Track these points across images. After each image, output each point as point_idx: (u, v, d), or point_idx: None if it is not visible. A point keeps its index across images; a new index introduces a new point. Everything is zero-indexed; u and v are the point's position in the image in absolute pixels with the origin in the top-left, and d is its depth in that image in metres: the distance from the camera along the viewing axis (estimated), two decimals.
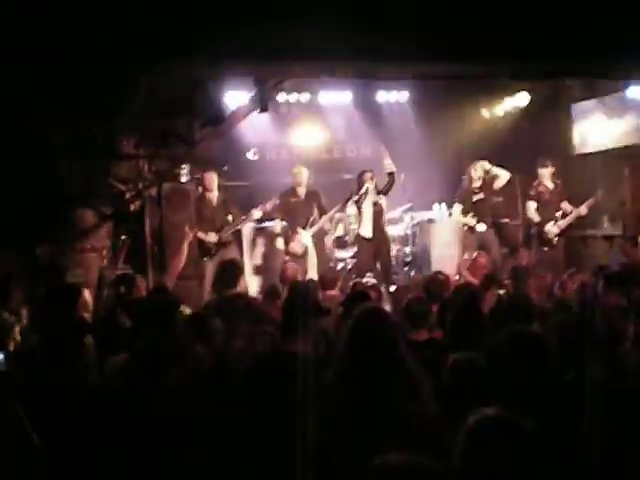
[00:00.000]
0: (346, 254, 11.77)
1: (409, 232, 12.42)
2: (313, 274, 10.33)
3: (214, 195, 10.93)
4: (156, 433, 4.11)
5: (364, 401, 3.84)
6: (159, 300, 5.91)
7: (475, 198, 11.46)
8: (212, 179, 10.91)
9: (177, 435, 4.08)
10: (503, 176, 11.49)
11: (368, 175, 10.93)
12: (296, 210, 11.17)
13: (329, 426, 3.78)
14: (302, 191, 11.24)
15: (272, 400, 4.23)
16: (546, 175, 11.56)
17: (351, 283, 8.58)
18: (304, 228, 11.00)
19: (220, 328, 5.68)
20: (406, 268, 12.25)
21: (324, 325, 5.75)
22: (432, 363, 4.55)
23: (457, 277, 9.95)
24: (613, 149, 12.66)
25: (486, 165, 11.45)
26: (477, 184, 11.47)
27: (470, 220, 11.42)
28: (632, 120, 12.61)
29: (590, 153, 13.15)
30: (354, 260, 11.42)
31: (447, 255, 11.83)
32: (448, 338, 5.36)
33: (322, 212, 11.20)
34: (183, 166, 10.10)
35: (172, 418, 4.18)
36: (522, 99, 13.06)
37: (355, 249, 11.36)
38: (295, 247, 10.94)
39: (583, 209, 11.24)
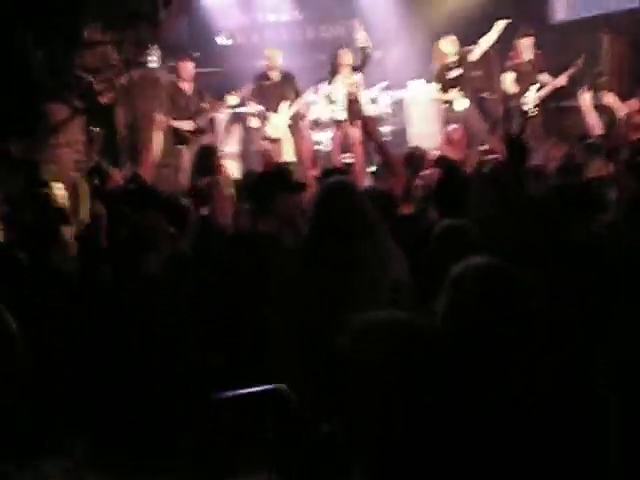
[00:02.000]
0: (324, 136, 11.63)
1: (386, 110, 12.27)
2: (290, 156, 10.24)
3: (189, 84, 10.72)
4: (135, 321, 4.09)
5: (330, 274, 3.80)
6: (133, 188, 5.86)
7: (453, 74, 11.24)
8: (187, 67, 10.66)
9: (154, 323, 4.06)
10: (478, 48, 11.25)
11: (341, 52, 10.71)
12: (271, 94, 10.96)
13: (295, 301, 3.75)
14: (276, 74, 11.02)
15: (245, 281, 4.20)
16: (524, 46, 11.34)
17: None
18: (277, 111, 10.83)
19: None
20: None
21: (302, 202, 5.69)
22: (419, 235, 4.56)
23: (437, 152, 9.88)
24: (592, 17, 12.48)
25: (455, 40, 11.22)
26: (452, 59, 11.24)
27: (451, 96, 11.22)
28: None
29: (568, 22, 12.97)
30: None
31: (426, 132, 11.73)
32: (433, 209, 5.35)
33: (297, 94, 11.01)
34: (153, 52, 9.85)
35: (150, 305, 4.15)
36: None
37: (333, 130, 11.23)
38: (271, 131, 10.79)
39: (562, 79, 11.08)
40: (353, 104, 10.65)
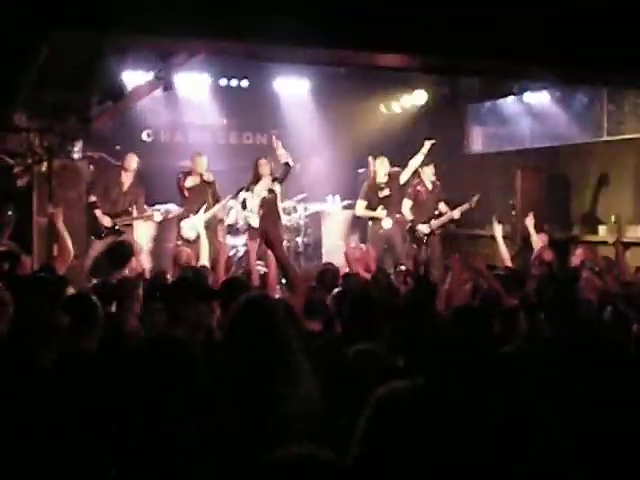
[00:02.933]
0: (239, 241, 11.68)
1: (302, 222, 12.42)
2: (204, 260, 10.20)
3: (128, 177, 10.73)
4: (31, 415, 3.97)
5: (245, 391, 3.78)
6: (44, 278, 5.75)
7: (382, 194, 11.48)
8: (132, 160, 10.76)
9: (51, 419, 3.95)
10: (407, 169, 11.57)
11: (262, 162, 10.88)
12: (192, 197, 11.00)
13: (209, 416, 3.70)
14: (198, 179, 11.06)
15: (151, 386, 4.12)
16: (425, 174, 11.71)
17: (241, 271, 8.53)
18: (196, 214, 10.85)
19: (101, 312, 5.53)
20: (299, 258, 12.25)
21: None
22: (326, 353, 4.56)
23: (347, 268, 9.98)
24: (507, 152, 12.97)
25: (386, 162, 11.53)
26: (383, 179, 11.49)
27: (378, 214, 11.42)
28: (526, 125, 12.95)
29: (484, 154, 13.44)
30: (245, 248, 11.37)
31: (338, 246, 11.89)
32: (344, 328, 5.37)
33: (216, 199, 11.05)
34: (75, 143, 9.83)
35: (46, 401, 4.04)
36: (420, 97, 13.21)
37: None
38: (187, 232, 10.79)
39: (456, 213, 11.52)
40: (271, 211, 10.76)
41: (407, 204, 11.69)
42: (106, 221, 10.46)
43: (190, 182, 11.00)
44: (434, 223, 11.59)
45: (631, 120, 11.31)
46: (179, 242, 10.71)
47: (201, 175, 11.02)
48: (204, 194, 11.01)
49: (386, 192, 11.48)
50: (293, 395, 3.77)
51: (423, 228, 11.57)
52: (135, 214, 10.81)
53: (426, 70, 9.81)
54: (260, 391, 3.77)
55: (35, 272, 6.71)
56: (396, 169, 11.65)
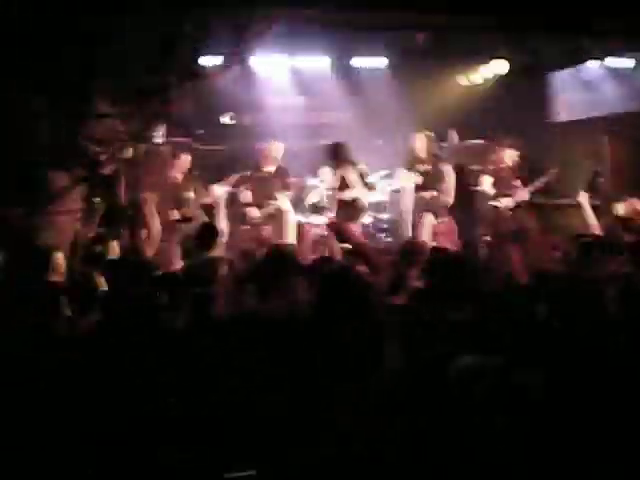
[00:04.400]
0: (321, 220, 11.66)
1: (386, 199, 12.33)
2: (290, 239, 10.24)
3: (180, 174, 10.72)
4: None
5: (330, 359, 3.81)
6: (133, 261, 5.85)
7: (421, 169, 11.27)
8: (184, 161, 10.68)
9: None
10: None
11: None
12: (261, 185, 10.95)
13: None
14: (271, 167, 11.01)
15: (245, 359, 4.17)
16: (508, 155, 11.40)
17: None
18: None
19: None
20: (382, 235, 12.18)
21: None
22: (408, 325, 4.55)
23: (433, 242, 9.91)
24: (592, 118, 12.70)
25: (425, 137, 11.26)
26: (422, 155, 11.23)
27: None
28: (611, 90, 12.65)
29: (568, 122, 13.18)
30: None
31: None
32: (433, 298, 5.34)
33: (286, 188, 10.97)
34: (158, 127, 9.92)
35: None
36: (500, 66, 12.99)
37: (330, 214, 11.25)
38: (265, 212, 10.73)
39: (524, 194, 11.14)
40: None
41: (488, 180, 11.43)
42: (174, 214, 10.49)
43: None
44: (505, 201, 11.27)
45: None
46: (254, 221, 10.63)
47: (274, 163, 10.95)
48: (273, 183, 10.93)
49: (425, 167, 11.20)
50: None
51: (506, 201, 11.30)
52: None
53: (503, 28, 9.57)
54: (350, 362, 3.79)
55: (124, 256, 6.82)
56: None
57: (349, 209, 10.57)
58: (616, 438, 3.18)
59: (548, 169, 11.20)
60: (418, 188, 10.97)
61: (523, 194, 11.12)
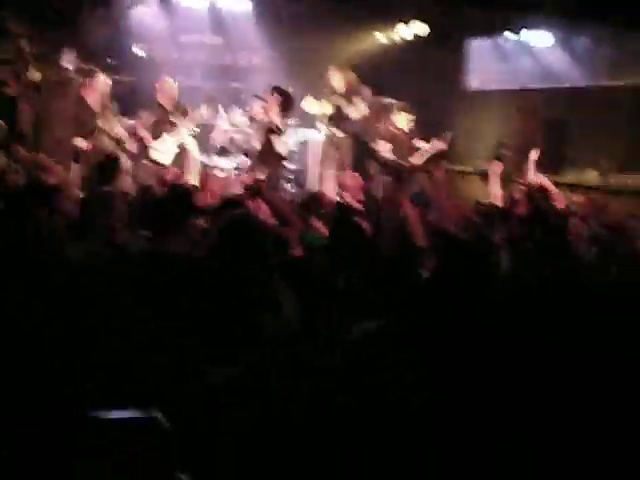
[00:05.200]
0: (229, 164, 11.54)
1: (294, 149, 12.26)
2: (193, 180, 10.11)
3: (95, 98, 10.31)
4: None
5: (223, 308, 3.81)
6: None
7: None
8: (99, 82, 10.31)
9: None
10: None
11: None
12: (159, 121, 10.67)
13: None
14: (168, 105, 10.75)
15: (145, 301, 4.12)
16: (404, 120, 11.39)
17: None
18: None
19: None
20: (289, 185, 12.13)
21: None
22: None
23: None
24: (504, 90, 12.87)
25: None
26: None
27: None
28: (525, 64, 12.84)
29: (480, 91, 13.32)
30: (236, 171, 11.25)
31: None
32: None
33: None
34: (68, 52, 9.59)
35: None
36: (419, 28, 13.01)
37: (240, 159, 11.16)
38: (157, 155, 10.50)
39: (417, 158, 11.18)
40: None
41: (386, 146, 11.37)
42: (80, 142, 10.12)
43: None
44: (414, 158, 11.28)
45: (632, 66, 11.20)
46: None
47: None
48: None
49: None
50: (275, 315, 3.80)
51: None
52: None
53: None
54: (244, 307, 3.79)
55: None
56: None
57: (269, 156, 10.48)
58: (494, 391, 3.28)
59: (444, 135, 11.20)
60: (329, 119, 10.97)
61: (417, 158, 11.12)
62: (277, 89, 10.54)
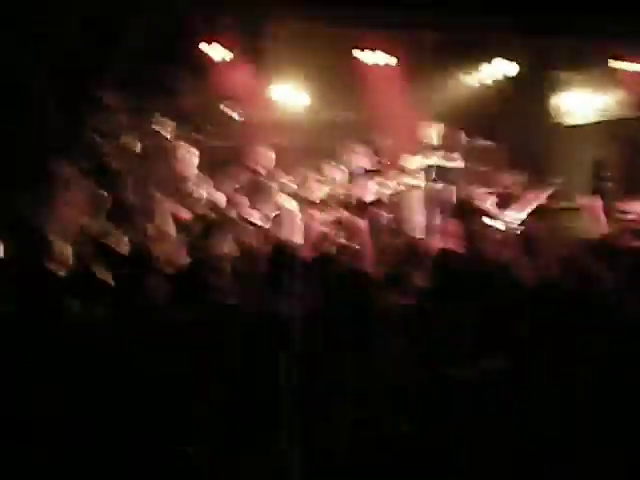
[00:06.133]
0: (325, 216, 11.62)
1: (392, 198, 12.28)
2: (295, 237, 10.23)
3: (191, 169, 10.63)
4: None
5: None
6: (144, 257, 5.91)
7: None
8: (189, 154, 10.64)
9: None
10: None
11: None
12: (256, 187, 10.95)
13: None
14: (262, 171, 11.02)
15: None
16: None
17: None
18: None
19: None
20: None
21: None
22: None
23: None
24: (597, 122, 12.69)
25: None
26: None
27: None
28: (616, 93, 12.65)
29: (575, 125, 13.18)
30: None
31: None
32: None
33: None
34: (167, 121, 9.87)
35: None
36: (508, 67, 12.96)
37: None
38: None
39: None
40: None
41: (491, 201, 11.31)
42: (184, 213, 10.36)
43: None
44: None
45: None
46: None
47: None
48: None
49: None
50: None
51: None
52: None
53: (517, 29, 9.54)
54: None
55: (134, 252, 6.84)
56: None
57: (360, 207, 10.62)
58: None
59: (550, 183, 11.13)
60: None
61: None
62: (368, 140, 10.75)
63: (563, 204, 12.25)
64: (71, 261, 6.72)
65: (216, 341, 4.71)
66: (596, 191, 10.64)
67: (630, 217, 9.45)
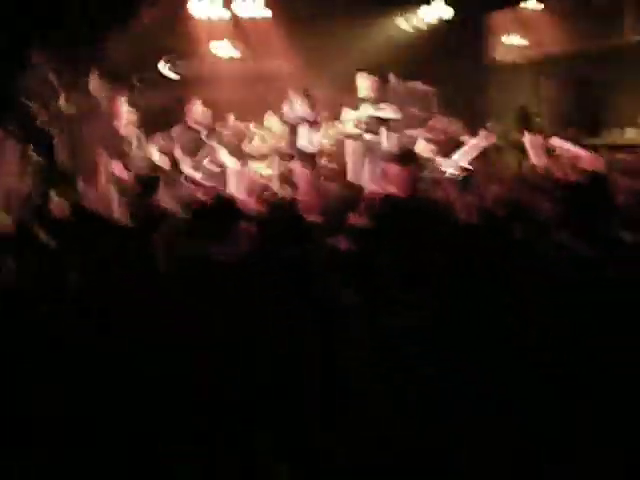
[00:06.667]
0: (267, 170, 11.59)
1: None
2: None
3: (120, 121, 10.37)
4: None
5: None
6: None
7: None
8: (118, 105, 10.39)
9: None
10: None
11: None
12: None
13: None
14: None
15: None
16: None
17: None
18: None
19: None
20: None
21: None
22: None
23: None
24: (530, 59, 12.78)
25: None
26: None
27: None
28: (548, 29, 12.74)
29: (506, 62, 13.24)
30: None
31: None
32: None
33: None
34: (93, 78, 9.62)
35: None
36: (442, 10, 12.95)
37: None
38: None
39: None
40: None
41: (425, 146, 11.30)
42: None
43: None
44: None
45: None
46: None
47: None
48: None
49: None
50: None
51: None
52: None
53: None
54: None
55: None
56: None
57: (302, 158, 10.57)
58: None
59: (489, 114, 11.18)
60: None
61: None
62: (305, 91, 10.68)
63: (499, 142, 12.37)
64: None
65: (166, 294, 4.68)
66: (527, 128, 10.68)
67: (560, 152, 9.51)
